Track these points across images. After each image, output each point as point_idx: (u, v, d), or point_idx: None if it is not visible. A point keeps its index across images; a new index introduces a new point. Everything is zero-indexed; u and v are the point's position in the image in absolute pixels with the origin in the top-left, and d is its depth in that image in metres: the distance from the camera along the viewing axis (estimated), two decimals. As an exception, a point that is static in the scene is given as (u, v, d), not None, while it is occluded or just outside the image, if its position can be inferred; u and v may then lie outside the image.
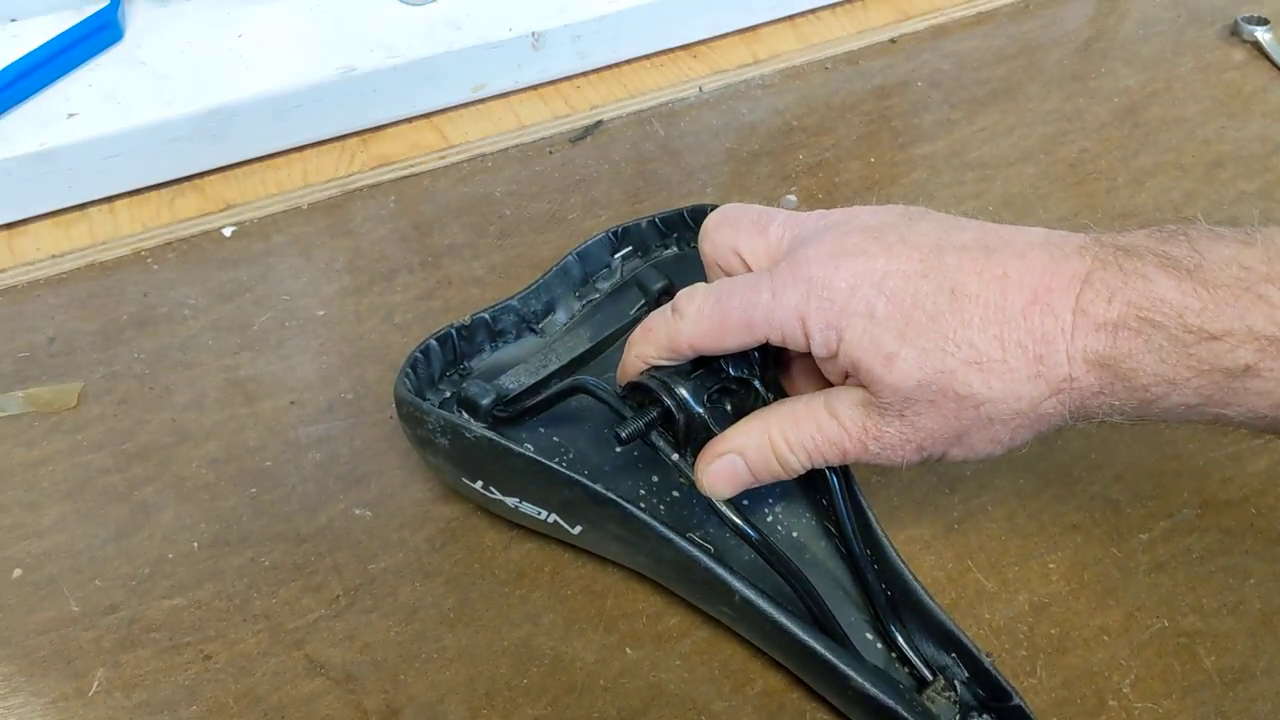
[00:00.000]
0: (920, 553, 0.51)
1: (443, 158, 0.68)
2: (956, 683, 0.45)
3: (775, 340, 0.42)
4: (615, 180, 0.67)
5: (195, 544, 0.50)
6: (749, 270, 0.45)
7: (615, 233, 0.56)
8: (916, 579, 0.46)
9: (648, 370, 0.45)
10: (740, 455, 0.43)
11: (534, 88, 0.71)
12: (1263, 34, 0.76)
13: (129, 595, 0.49)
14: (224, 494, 0.52)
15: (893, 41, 0.76)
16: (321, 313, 0.59)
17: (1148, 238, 0.40)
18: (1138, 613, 0.50)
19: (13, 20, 0.65)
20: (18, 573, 0.49)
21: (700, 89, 0.72)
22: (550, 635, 0.48)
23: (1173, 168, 0.69)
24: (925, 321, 0.40)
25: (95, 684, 0.46)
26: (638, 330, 0.46)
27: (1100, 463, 0.54)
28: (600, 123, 0.70)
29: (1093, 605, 0.50)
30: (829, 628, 0.45)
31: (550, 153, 0.68)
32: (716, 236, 0.46)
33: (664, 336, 0.44)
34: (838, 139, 0.70)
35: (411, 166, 0.67)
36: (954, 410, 0.40)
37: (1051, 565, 0.51)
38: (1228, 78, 0.75)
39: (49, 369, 0.57)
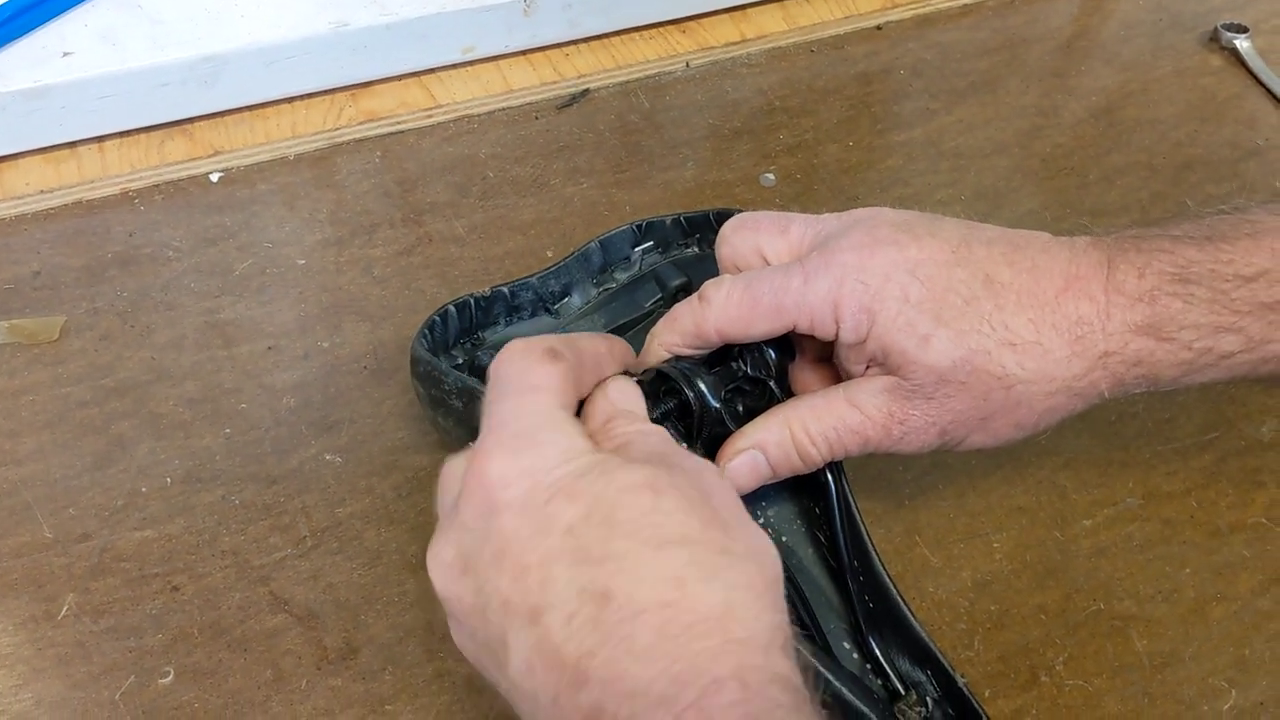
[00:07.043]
0: (870, 526, 0.51)
1: (429, 116, 0.68)
2: (928, 699, 0.45)
3: (804, 327, 0.43)
4: (599, 149, 0.68)
5: (168, 479, 0.52)
6: None
7: (639, 226, 0.56)
8: (899, 593, 0.46)
9: (669, 360, 0.45)
10: (761, 450, 0.44)
11: (523, 53, 0.72)
12: (1241, 42, 0.78)
13: (101, 525, 0.50)
14: (199, 433, 0.53)
15: (878, 29, 0.78)
16: (302, 262, 0.61)
17: (1148, 229, 0.43)
18: (1075, 595, 0.51)
19: (11, -44, 0.65)
20: (-7, 498, 0.51)
21: (687, 64, 0.74)
22: (509, 585, 0.50)
23: (1143, 168, 0.70)
24: (960, 305, 0.41)
25: (65, 608, 0.48)
26: (662, 321, 0.46)
27: (1050, 449, 0.56)
28: (587, 91, 0.71)
29: (1032, 585, 0.52)
30: (810, 632, 0.45)
31: (536, 118, 0.70)
32: (736, 239, 0.46)
33: (690, 323, 0.44)
34: (818, 121, 0.71)
35: (398, 124, 0.68)
36: (984, 391, 0.42)
37: (996, 544, 0.53)
38: (1204, 83, 0.76)
39: (32, 302, 0.58)
